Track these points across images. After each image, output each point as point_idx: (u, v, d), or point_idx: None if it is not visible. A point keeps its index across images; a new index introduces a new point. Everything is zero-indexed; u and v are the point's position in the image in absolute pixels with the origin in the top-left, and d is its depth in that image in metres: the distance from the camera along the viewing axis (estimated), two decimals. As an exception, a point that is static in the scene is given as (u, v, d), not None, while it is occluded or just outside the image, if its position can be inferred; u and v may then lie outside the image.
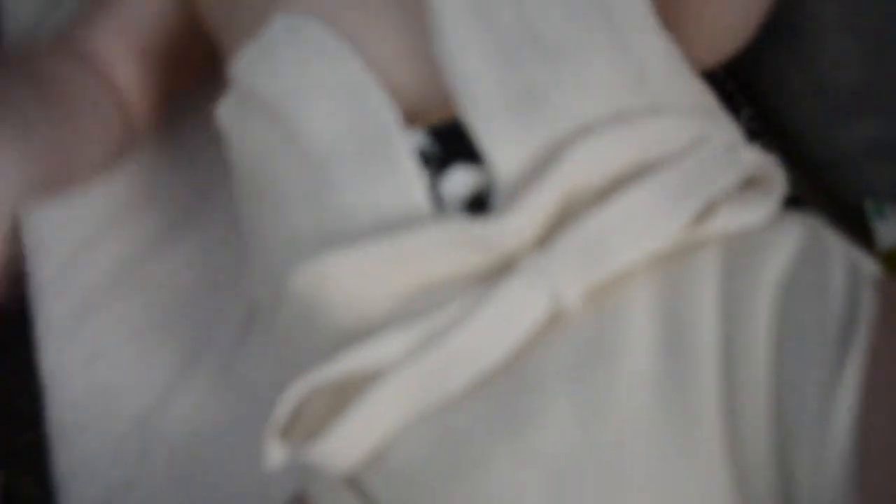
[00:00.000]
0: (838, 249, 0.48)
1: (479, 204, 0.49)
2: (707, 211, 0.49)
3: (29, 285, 0.74)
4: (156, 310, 0.71)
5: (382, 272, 0.49)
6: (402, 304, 0.49)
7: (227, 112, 0.57)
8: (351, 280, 0.49)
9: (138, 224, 0.73)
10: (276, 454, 0.50)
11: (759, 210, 0.50)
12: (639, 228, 0.47)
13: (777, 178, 0.52)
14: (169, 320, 0.70)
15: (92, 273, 0.72)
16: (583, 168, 0.47)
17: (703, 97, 0.55)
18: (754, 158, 0.51)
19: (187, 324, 0.70)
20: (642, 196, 0.47)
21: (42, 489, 0.77)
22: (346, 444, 0.48)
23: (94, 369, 0.70)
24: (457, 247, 0.47)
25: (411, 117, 0.50)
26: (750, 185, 0.52)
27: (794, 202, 0.55)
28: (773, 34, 0.65)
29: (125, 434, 0.67)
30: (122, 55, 0.64)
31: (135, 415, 0.68)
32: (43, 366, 0.71)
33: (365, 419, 0.48)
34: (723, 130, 0.53)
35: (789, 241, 0.48)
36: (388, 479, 0.49)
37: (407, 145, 0.49)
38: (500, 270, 0.47)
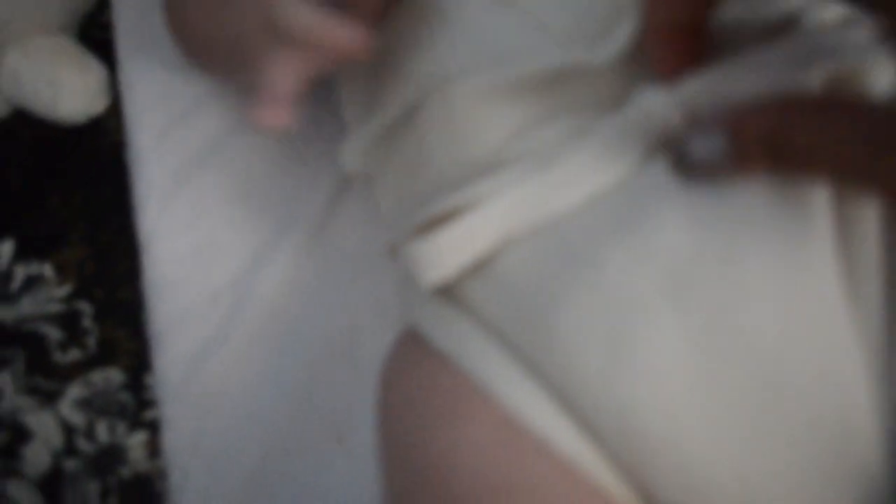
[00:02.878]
0: None
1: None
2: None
3: (128, 151, 0.76)
4: (251, 177, 0.72)
5: (509, 100, 0.50)
6: (523, 132, 0.50)
7: None
8: (477, 109, 0.50)
9: (234, 97, 0.74)
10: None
11: None
12: (768, 75, 0.46)
13: None
14: (263, 187, 0.71)
15: (192, 140, 0.73)
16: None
17: None
18: None
19: (280, 191, 0.71)
20: (779, 49, 0.46)
21: (137, 343, 0.80)
22: (450, 248, 0.48)
23: (191, 231, 0.71)
24: (577, 76, 0.49)
25: None
26: None
27: None
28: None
29: (219, 292, 0.69)
30: None
31: (229, 275, 0.70)
32: (142, 226, 0.73)
33: (471, 227, 0.48)
34: None
35: None
36: (496, 289, 0.49)
37: None
38: (616, 101, 0.48)
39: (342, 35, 0.50)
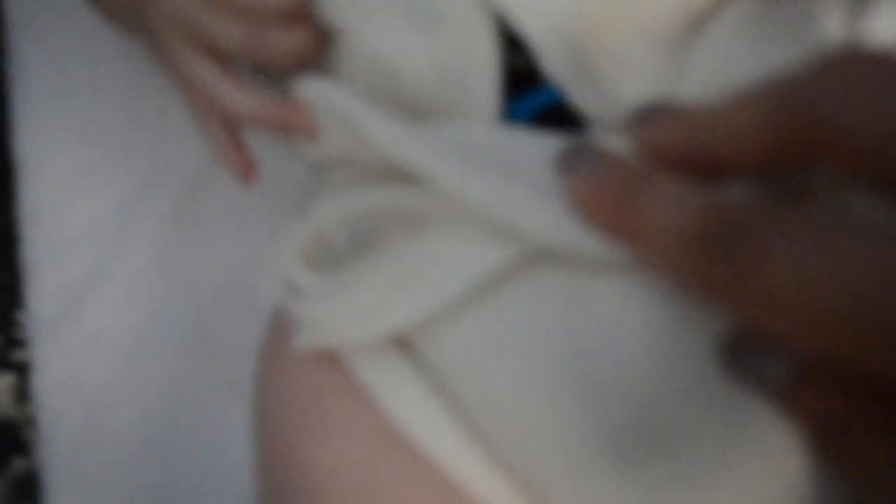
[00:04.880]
0: None
1: None
2: None
3: (5, 60, 0.67)
4: (142, 97, 0.64)
5: None
6: None
7: None
8: None
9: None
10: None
11: None
12: None
13: None
14: (156, 108, 0.63)
15: (78, 53, 0.64)
16: None
17: None
18: None
19: (174, 116, 0.63)
20: None
21: (7, 275, 0.71)
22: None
23: (73, 154, 0.63)
24: None
25: None
26: None
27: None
28: None
29: (102, 220, 0.61)
30: None
31: (113, 202, 0.62)
32: (18, 150, 0.65)
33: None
34: None
35: None
36: None
37: None
38: None
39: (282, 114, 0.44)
